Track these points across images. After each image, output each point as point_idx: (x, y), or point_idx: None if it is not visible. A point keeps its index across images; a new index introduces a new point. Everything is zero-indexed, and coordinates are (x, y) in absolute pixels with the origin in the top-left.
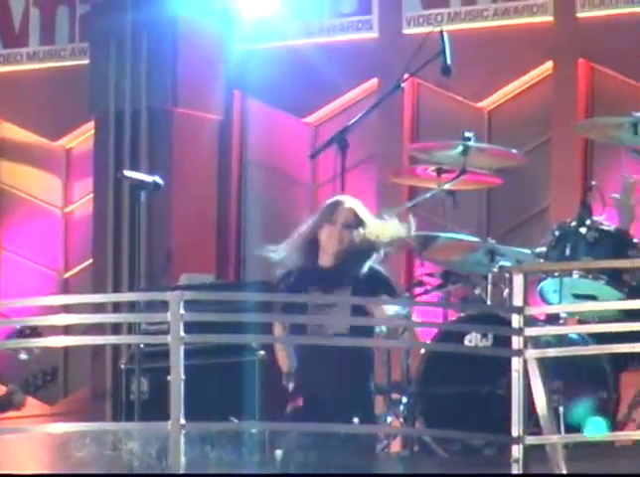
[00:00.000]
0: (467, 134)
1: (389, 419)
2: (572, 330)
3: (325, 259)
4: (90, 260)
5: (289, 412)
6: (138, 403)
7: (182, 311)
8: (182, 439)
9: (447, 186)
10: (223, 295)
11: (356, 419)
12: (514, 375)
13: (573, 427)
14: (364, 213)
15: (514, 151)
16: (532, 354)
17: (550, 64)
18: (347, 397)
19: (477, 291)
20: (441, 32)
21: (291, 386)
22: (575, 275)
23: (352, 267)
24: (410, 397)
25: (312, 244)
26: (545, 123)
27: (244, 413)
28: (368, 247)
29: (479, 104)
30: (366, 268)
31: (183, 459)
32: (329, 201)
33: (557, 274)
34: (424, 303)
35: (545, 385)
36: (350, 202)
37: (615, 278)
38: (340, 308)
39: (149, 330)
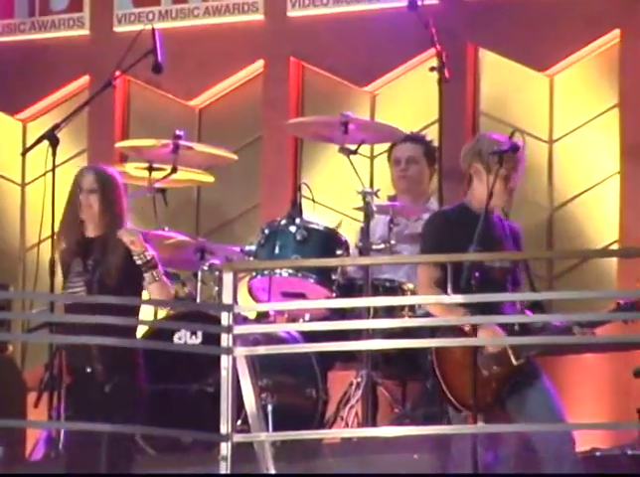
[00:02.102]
0: (178, 132)
1: None
2: (281, 328)
3: None
4: None
5: None
6: None
7: None
8: None
9: (158, 184)
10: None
11: None
12: (223, 372)
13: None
14: None
15: (223, 150)
16: (241, 352)
17: (261, 62)
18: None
19: (187, 289)
20: (153, 30)
21: None
22: (285, 273)
23: None
24: None
25: None
26: (256, 122)
27: None
28: None
29: (190, 103)
30: None
31: None
32: None
33: (266, 272)
34: (132, 300)
35: (253, 383)
36: None
37: (324, 276)
38: None
39: None
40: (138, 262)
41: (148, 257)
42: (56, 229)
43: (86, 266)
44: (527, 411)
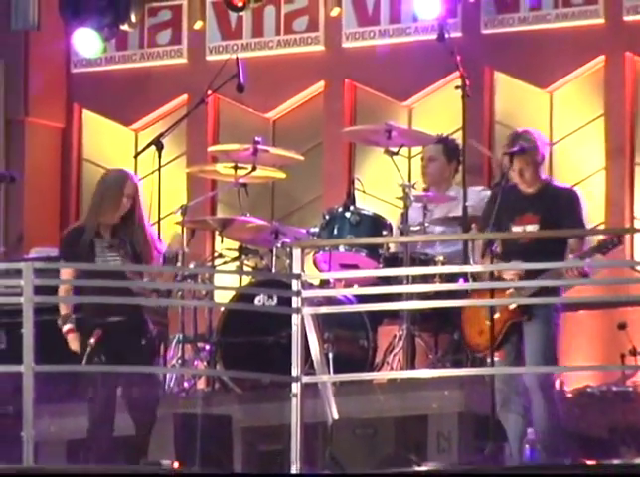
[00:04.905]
0: (257, 139)
1: (195, 363)
2: (339, 292)
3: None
4: None
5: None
6: None
7: (32, 278)
8: (32, 379)
9: (241, 180)
10: (64, 265)
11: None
12: (294, 328)
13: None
14: None
15: (293, 152)
16: (307, 311)
17: (322, 83)
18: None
19: (265, 262)
20: (237, 58)
21: (67, 327)
22: (342, 249)
23: None
24: (212, 345)
25: None
26: (318, 130)
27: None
28: None
29: (266, 115)
30: None
31: (32, 394)
32: None
33: (327, 249)
34: (224, 272)
35: (318, 335)
36: None
37: (373, 252)
38: None
39: (6, 293)
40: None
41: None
42: (153, 215)
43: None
44: (524, 345)
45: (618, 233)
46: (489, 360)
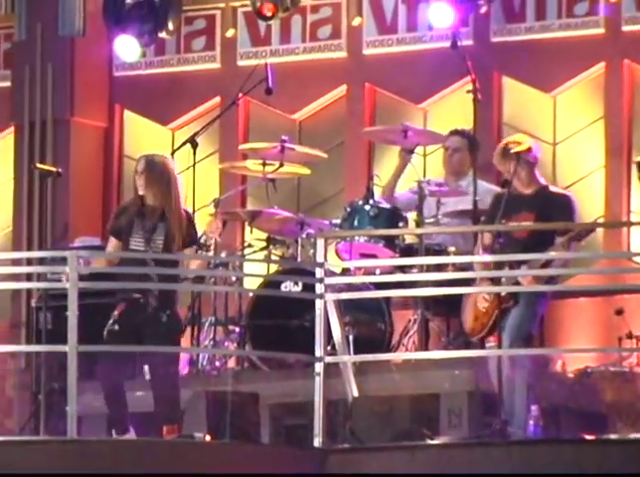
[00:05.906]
0: (284, 137)
1: (226, 344)
2: (359, 279)
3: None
4: (11, 228)
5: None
6: (45, 332)
7: (77, 265)
8: (76, 357)
9: (269, 175)
10: (106, 254)
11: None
12: (317, 312)
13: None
14: None
15: (317, 150)
16: (330, 297)
17: (344, 87)
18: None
19: (291, 251)
20: (266, 64)
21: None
22: (362, 240)
23: None
24: (242, 327)
25: None
26: (340, 130)
27: None
28: None
29: (293, 116)
30: None
31: (76, 373)
32: None
33: (348, 239)
34: (253, 260)
35: (339, 319)
36: None
37: (390, 242)
38: None
39: (53, 278)
40: (199, 239)
41: (208, 242)
42: (191, 207)
43: (145, 227)
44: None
45: (616, 226)
46: (488, 344)
